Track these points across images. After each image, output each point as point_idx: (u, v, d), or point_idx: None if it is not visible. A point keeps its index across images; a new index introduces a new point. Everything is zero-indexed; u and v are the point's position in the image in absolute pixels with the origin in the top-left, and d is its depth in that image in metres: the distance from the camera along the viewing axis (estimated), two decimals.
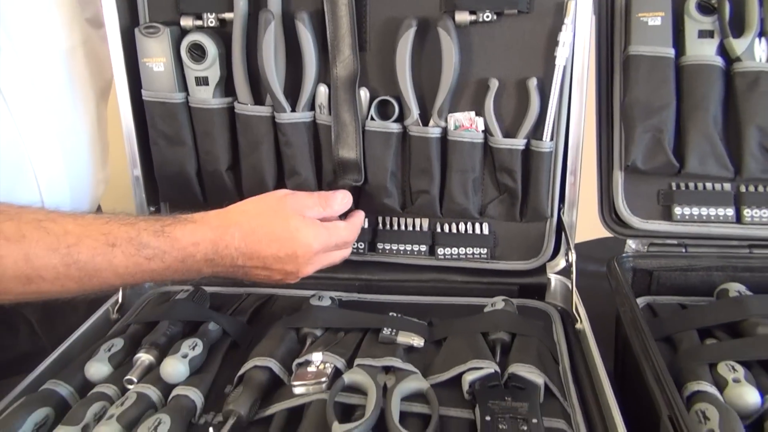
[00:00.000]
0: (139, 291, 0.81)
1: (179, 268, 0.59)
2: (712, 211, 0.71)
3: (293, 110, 0.73)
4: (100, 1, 0.72)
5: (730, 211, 0.71)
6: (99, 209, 0.92)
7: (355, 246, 0.78)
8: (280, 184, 0.77)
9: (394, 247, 0.78)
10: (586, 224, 0.78)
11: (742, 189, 0.71)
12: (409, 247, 0.77)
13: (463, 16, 0.68)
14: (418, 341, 0.65)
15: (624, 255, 0.72)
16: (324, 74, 0.73)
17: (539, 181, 0.72)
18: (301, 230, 0.63)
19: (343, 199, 0.70)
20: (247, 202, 0.66)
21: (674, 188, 0.72)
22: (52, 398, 0.58)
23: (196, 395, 0.58)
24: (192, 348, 0.61)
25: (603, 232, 0.99)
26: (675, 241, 0.73)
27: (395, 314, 0.68)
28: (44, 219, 0.54)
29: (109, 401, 0.58)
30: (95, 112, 0.81)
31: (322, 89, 0.73)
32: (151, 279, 0.60)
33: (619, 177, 0.73)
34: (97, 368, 0.61)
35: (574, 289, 0.71)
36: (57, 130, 0.74)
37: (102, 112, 0.84)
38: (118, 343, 0.64)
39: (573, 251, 0.71)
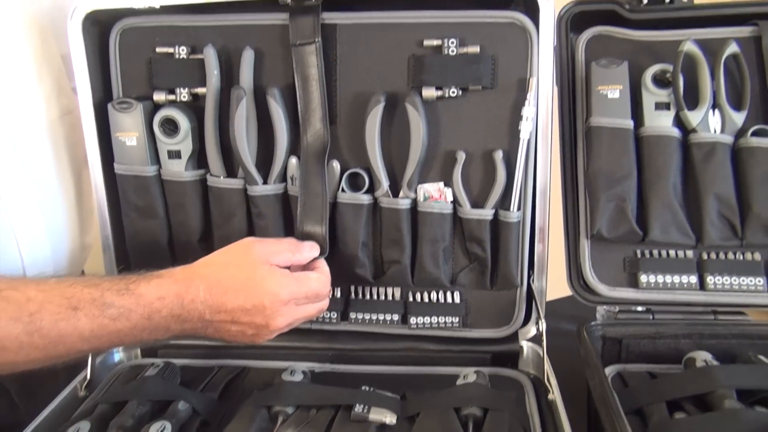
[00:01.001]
0: (109, 366, 0.79)
1: (146, 326, 0.58)
2: (677, 279, 0.72)
3: (265, 182, 0.74)
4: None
5: (694, 278, 0.72)
6: (83, 274, 0.91)
7: (328, 316, 0.78)
8: None
9: (367, 316, 0.78)
10: (559, 281, 0.79)
11: (704, 256, 0.73)
12: (381, 317, 0.77)
13: (429, 92, 0.71)
14: (390, 418, 0.64)
15: (593, 324, 0.73)
16: (295, 146, 0.74)
17: (508, 250, 0.73)
18: (266, 279, 0.61)
19: (311, 248, 0.69)
20: (214, 254, 0.65)
21: (639, 256, 0.74)
22: None
23: None
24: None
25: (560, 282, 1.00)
26: (643, 309, 0.74)
27: (367, 388, 0.68)
28: (5, 288, 0.54)
29: None
30: (78, 179, 0.81)
31: (294, 161, 0.74)
32: (120, 341, 0.58)
33: (585, 245, 0.74)
34: None
35: (546, 358, 0.71)
36: (39, 197, 0.73)
37: (85, 178, 0.84)
38: (84, 427, 0.62)
39: (543, 320, 0.72)
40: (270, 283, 0.61)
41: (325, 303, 0.69)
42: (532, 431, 0.64)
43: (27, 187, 0.72)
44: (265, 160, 0.74)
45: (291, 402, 0.66)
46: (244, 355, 0.79)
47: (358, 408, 0.64)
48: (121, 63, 0.75)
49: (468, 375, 0.69)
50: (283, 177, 0.75)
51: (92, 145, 0.76)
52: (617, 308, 0.75)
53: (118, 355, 0.81)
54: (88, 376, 0.74)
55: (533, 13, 0.69)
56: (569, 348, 0.78)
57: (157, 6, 0.72)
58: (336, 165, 0.74)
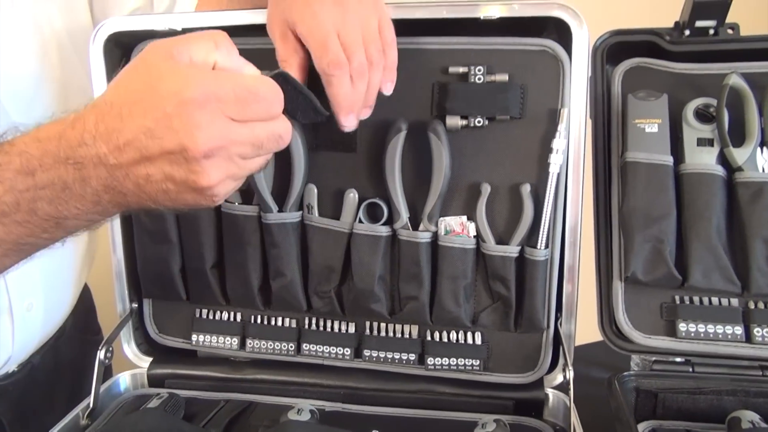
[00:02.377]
0: (113, 394, 0.76)
1: (33, 190, 0.42)
2: (720, 329, 0.66)
3: (280, 210, 0.71)
4: None
5: (739, 329, 0.66)
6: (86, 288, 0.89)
7: (341, 352, 0.74)
8: (264, 283, 0.75)
9: (382, 354, 0.73)
10: (588, 325, 0.74)
11: (751, 305, 0.67)
12: (396, 355, 0.73)
13: (454, 121, 0.68)
14: None
15: (626, 374, 0.67)
16: (313, 173, 0.72)
17: (534, 290, 0.68)
18: (164, 76, 0.41)
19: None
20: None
21: (678, 302, 0.68)
22: None
23: None
24: None
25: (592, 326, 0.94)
26: (681, 359, 0.68)
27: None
28: None
29: None
30: None
31: (311, 188, 0.72)
32: (22, 228, 0.44)
33: (619, 288, 0.69)
34: None
35: (573, 410, 0.65)
36: None
37: None
38: None
39: (571, 368, 0.66)
40: (169, 80, 0.41)
41: (280, 124, 0.47)
42: None
43: None
44: (281, 187, 0.72)
45: None
46: (252, 390, 0.76)
47: None
48: None
49: (487, 423, 0.64)
50: (299, 205, 0.72)
51: None
52: (653, 358, 0.69)
53: (124, 385, 0.78)
54: (91, 404, 0.71)
55: (566, 42, 0.66)
56: (598, 397, 0.72)
57: (179, 29, 0.71)
58: (353, 194, 0.71)
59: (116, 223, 0.76)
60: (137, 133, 0.41)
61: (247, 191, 0.73)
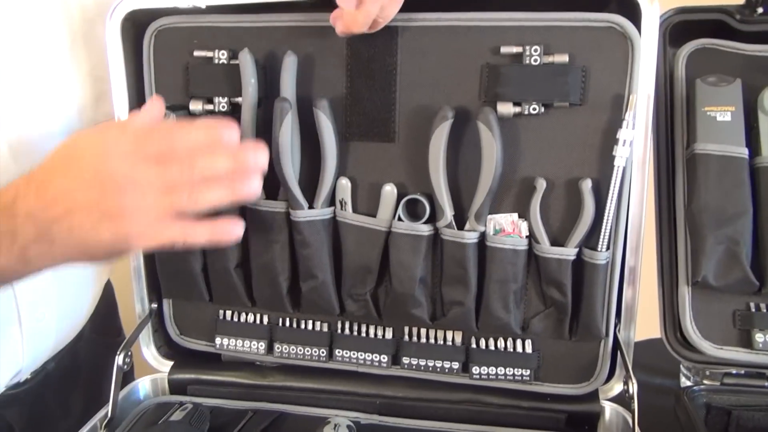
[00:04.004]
0: (133, 402, 0.71)
1: None
2: None
3: (311, 207, 0.65)
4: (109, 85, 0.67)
5: None
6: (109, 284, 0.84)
7: (377, 359, 0.69)
8: (294, 285, 0.69)
9: (422, 362, 0.68)
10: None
11: None
12: (439, 364, 0.67)
13: (506, 108, 0.61)
14: None
15: (696, 389, 0.61)
16: (345, 166, 0.65)
17: (593, 296, 0.62)
18: (81, 135, 0.48)
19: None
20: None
21: (754, 309, 0.62)
22: None
23: None
24: None
25: (651, 331, 0.88)
26: (755, 372, 0.62)
27: None
28: None
29: None
30: None
31: (344, 183, 0.65)
32: None
33: (686, 293, 0.63)
34: None
35: (636, 425, 0.60)
36: None
37: None
38: None
39: (633, 380, 0.60)
40: (87, 137, 0.48)
41: (211, 161, 0.48)
42: None
43: None
44: (310, 182, 0.65)
45: None
46: (280, 399, 0.70)
47: None
48: (155, 67, 0.67)
49: None
50: (331, 201, 0.66)
51: None
52: (723, 374, 0.63)
53: (144, 391, 0.73)
54: (110, 414, 0.67)
55: (632, 18, 0.58)
56: (648, 405, 0.66)
57: (203, 6, 0.64)
58: (392, 189, 0.65)
59: None
60: (60, 186, 0.46)
61: (273, 185, 0.66)
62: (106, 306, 0.84)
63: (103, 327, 0.82)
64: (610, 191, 0.60)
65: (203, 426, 0.64)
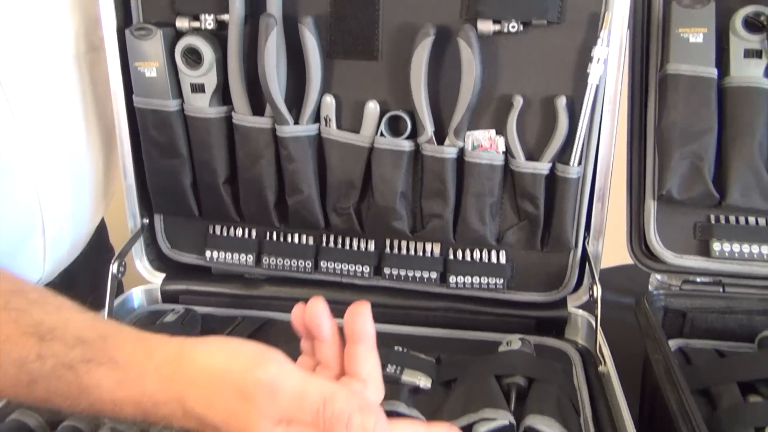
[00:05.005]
0: (127, 309, 0.75)
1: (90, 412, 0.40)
2: (755, 249, 0.64)
3: (296, 123, 0.67)
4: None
5: None
6: (103, 224, 0.87)
7: (360, 270, 0.72)
8: (280, 200, 0.72)
9: (402, 272, 0.72)
10: (606, 249, 0.72)
11: None
12: (418, 274, 0.71)
13: (486, 26, 0.62)
14: (424, 382, 0.59)
15: (655, 293, 0.65)
16: (330, 83, 0.67)
17: (564, 209, 0.66)
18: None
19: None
20: (216, 351, 0.40)
21: (713, 221, 0.66)
22: (19, 430, 0.52)
23: None
24: None
25: (623, 259, 0.92)
26: (710, 280, 0.67)
27: (400, 348, 0.62)
28: None
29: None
30: (104, 124, 0.74)
31: (329, 100, 0.67)
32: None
33: (651, 206, 0.67)
34: None
35: (599, 327, 0.64)
36: (63, 138, 0.68)
37: (112, 123, 0.78)
38: None
39: (598, 285, 0.65)
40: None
41: None
42: (580, 407, 0.58)
43: (50, 127, 0.66)
44: (296, 98, 0.67)
45: None
46: (268, 307, 0.74)
47: (390, 369, 0.59)
48: None
49: (512, 342, 0.63)
50: (316, 117, 0.68)
51: (115, 76, 0.70)
52: (681, 279, 0.67)
53: (138, 300, 0.77)
54: (105, 318, 0.70)
55: None
56: (618, 320, 0.71)
57: None
58: (375, 106, 0.67)
59: (124, 135, 0.72)
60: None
61: (260, 102, 0.68)
62: (97, 227, 0.87)
63: (96, 245, 0.85)
64: (584, 108, 0.63)
65: (195, 328, 0.68)
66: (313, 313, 0.44)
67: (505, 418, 0.52)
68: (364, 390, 0.43)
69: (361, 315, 0.44)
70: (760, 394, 0.54)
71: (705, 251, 0.66)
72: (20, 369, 0.38)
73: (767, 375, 0.54)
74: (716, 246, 0.65)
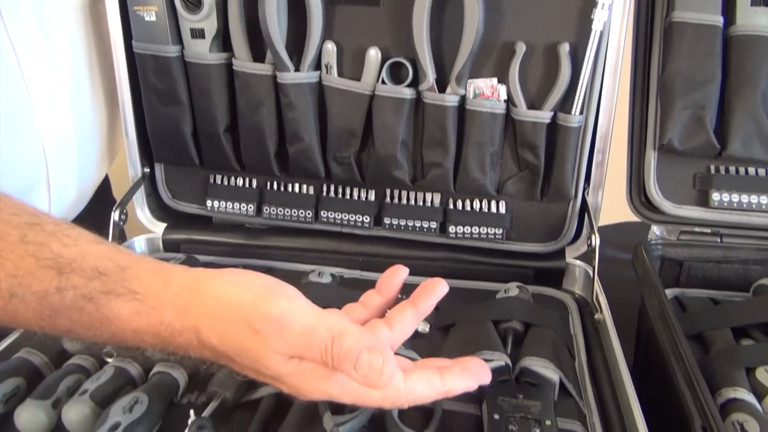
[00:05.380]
0: None
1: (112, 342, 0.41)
2: (754, 199, 0.64)
3: (297, 70, 0.67)
4: None
5: None
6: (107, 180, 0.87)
7: (360, 219, 0.73)
8: (281, 148, 0.72)
9: (402, 222, 0.72)
10: (606, 207, 0.72)
11: None
12: (418, 224, 0.72)
13: None
14: (422, 326, 0.60)
15: (653, 242, 0.66)
16: (331, 30, 0.67)
17: (564, 159, 0.66)
18: (269, 364, 0.39)
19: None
20: (229, 283, 0.40)
21: (713, 171, 0.66)
22: (25, 368, 0.54)
23: (179, 374, 0.53)
24: None
25: (623, 216, 0.92)
26: (708, 230, 0.67)
27: (400, 295, 0.63)
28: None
29: (85, 374, 0.54)
30: (107, 77, 0.74)
31: (330, 47, 0.67)
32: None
33: (651, 157, 0.66)
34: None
35: (596, 276, 0.65)
36: (67, 91, 0.67)
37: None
38: None
39: (597, 235, 0.65)
40: (271, 369, 0.39)
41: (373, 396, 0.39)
42: (575, 352, 0.59)
43: (55, 80, 0.66)
44: (296, 45, 0.67)
45: (317, 303, 0.61)
46: (269, 256, 0.75)
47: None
48: None
49: (510, 289, 0.64)
50: (317, 64, 0.68)
51: (114, 21, 0.69)
52: (678, 233, 0.67)
53: (140, 248, 0.77)
54: None
55: None
56: (613, 276, 0.72)
57: None
58: (376, 53, 0.66)
59: (124, 82, 0.72)
60: (229, 353, 0.39)
61: (260, 48, 0.68)
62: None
63: (100, 196, 0.85)
64: (587, 56, 0.62)
65: None
66: (396, 275, 0.46)
67: (501, 359, 0.53)
68: (389, 340, 0.42)
69: (436, 293, 0.45)
70: (753, 339, 0.55)
71: (704, 201, 0.66)
72: (42, 301, 0.38)
73: (760, 320, 0.55)
74: (715, 196, 0.65)
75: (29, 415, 0.48)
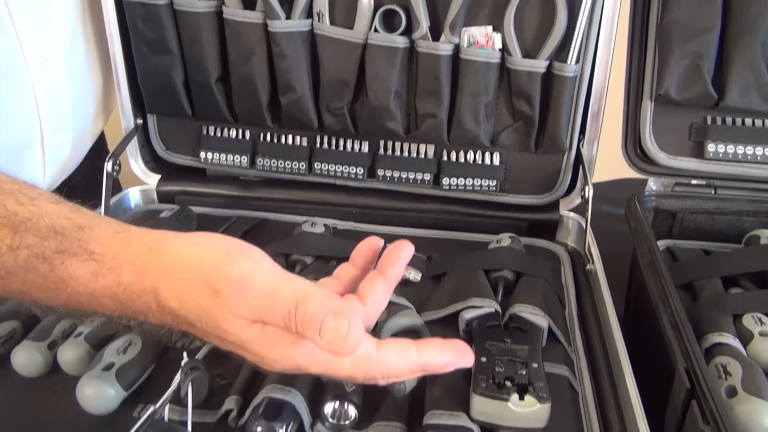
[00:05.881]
0: (124, 209, 0.76)
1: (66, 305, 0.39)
2: (750, 150, 0.64)
3: (288, 17, 0.66)
4: None
5: None
6: (102, 137, 0.86)
7: (354, 171, 0.73)
8: (273, 99, 0.71)
9: (396, 174, 0.72)
10: (603, 163, 0.72)
11: None
12: (411, 175, 0.71)
13: None
14: (414, 275, 0.60)
15: (646, 193, 0.66)
16: None
17: (559, 109, 0.65)
18: (230, 329, 0.37)
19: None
20: (191, 244, 0.38)
21: (710, 122, 0.65)
22: (21, 311, 0.54)
23: None
24: None
25: (620, 173, 0.91)
26: (703, 182, 0.67)
27: None
28: None
29: (79, 320, 0.54)
30: (102, 35, 0.73)
31: None
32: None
33: (648, 107, 0.66)
34: None
35: (588, 227, 0.65)
36: (62, 48, 0.66)
37: None
38: None
39: (590, 186, 0.65)
40: (233, 335, 0.37)
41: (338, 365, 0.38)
42: (566, 302, 0.59)
43: (49, 37, 0.64)
44: None
45: (311, 252, 0.62)
46: (263, 208, 0.75)
47: None
48: None
49: (502, 239, 0.64)
50: (308, 12, 0.66)
51: None
52: (672, 185, 0.67)
53: (134, 200, 0.77)
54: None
55: None
56: (607, 231, 0.72)
57: None
58: (369, 0, 0.65)
59: (114, 31, 0.70)
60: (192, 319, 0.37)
61: None
62: None
63: (94, 150, 0.85)
64: (584, 2, 0.61)
65: (190, 225, 0.69)
66: (369, 247, 0.44)
67: (491, 306, 0.53)
68: (362, 315, 0.40)
69: (402, 258, 0.43)
70: (743, 288, 0.55)
71: (699, 153, 0.65)
72: None
73: (750, 269, 0.55)
74: (711, 147, 0.64)
75: (26, 356, 0.49)
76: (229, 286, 0.35)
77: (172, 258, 0.37)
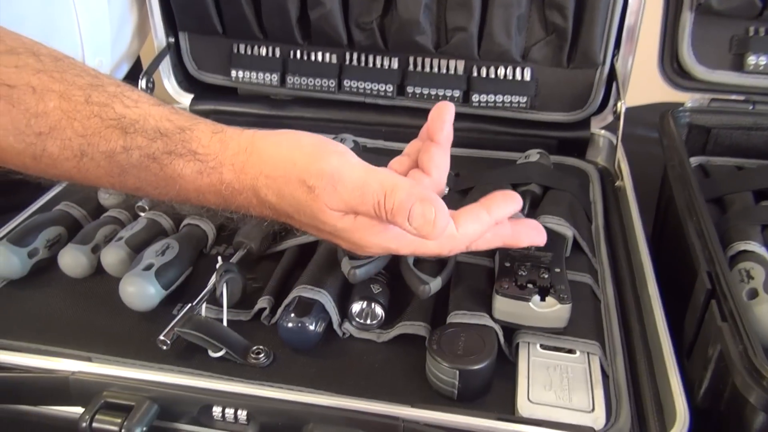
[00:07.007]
0: None
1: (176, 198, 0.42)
2: None
3: None
4: None
5: None
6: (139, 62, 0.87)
7: (383, 89, 0.72)
8: (303, 14, 0.70)
9: (425, 91, 0.71)
10: (637, 86, 0.70)
11: None
12: (441, 92, 0.71)
13: None
14: None
15: (681, 109, 0.64)
16: None
17: (594, 21, 0.63)
18: (327, 219, 0.40)
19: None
20: (280, 143, 0.41)
21: (752, 34, 0.62)
22: (65, 219, 0.58)
23: (208, 226, 0.57)
24: None
25: (655, 98, 0.89)
26: (742, 98, 0.64)
27: None
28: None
29: (120, 225, 0.57)
30: None
31: None
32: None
33: (687, 19, 0.63)
34: (111, 193, 0.60)
35: (620, 143, 0.64)
36: None
37: None
38: None
39: (623, 102, 0.64)
40: (329, 224, 0.41)
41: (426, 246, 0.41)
42: (593, 216, 0.60)
43: None
44: None
45: None
46: (293, 126, 0.70)
47: None
48: None
49: (530, 155, 0.64)
50: None
51: None
52: (709, 101, 0.65)
53: None
54: None
55: None
56: (640, 154, 0.70)
57: None
58: None
59: None
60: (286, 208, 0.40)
61: None
62: None
63: (131, 73, 0.87)
64: None
65: None
66: (442, 111, 0.45)
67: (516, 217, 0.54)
68: (432, 186, 0.44)
69: (446, 117, 0.44)
70: None
71: (739, 65, 0.63)
72: (110, 161, 0.39)
73: None
74: (751, 59, 0.62)
75: (71, 257, 0.53)
76: (321, 181, 0.38)
77: (265, 158, 0.40)
